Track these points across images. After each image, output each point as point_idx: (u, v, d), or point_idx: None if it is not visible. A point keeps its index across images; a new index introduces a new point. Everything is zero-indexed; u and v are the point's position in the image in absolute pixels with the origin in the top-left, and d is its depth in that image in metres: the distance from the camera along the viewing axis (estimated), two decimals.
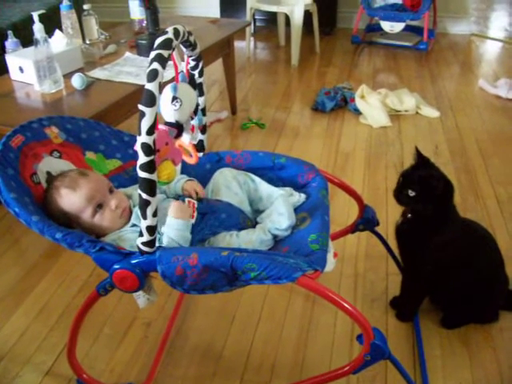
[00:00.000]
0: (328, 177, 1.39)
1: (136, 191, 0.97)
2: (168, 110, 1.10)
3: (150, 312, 1.63)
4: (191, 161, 1.19)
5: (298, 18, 3.67)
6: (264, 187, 1.34)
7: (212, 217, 1.23)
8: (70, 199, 1.18)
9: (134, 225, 1.22)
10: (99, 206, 1.20)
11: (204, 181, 1.39)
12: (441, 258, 1.43)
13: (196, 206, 1.24)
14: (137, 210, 1.20)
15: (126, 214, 1.24)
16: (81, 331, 1.24)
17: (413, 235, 1.43)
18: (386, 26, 3.97)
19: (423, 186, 1.33)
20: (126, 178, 1.40)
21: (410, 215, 1.43)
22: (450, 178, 1.37)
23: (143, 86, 0.89)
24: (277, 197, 1.29)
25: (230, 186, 1.33)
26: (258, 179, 1.35)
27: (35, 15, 1.88)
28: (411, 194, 1.34)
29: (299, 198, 1.31)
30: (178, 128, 1.12)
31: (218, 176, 1.37)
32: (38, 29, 1.84)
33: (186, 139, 1.17)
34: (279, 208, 1.23)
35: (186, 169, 1.40)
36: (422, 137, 2.76)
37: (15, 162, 1.17)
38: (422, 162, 1.38)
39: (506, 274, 1.52)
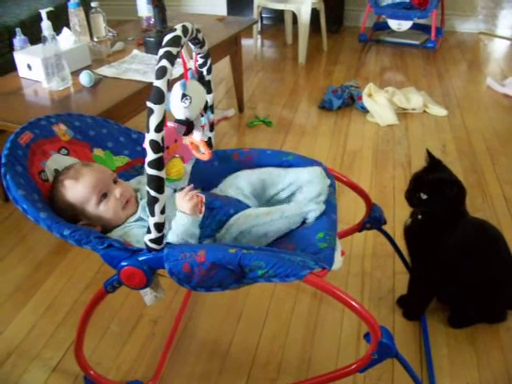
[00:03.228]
0: (335, 175, 1.39)
1: (143, 183, 0.96)
2: (178, 108, 1.10)
3: (157, 309, 1.63)
4: (204, 157, 1.18)
5: (305, 16, 3.66)
6: (291, 172, 1.33)
7: (220, 211, 1.22)
8: (74, 189, 1.18)
9: (140, 219, 1.21)
10: (104, 196, 1.20)
11: (212, 178, 1.38)
12: (450, 259, 1.42)
13: (204, 200, 1.23)
14: (143, 203, 1.20)
15: (130, 205, 1.23)
16: (88, 328, 1.25)
17: (423, 236, 1.43)
18: (394, 24, 3.94)
19: (435, 189, 1.32)
20: (134, 175, 1.39)
21: (420, 216, 1.42)
22: (461, 181, 1.36)
23: (151, 83, 0.90)
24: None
25: (240, 187, 1.33)
26: (282, 172, 1.34)
27: (43, 13, 1.88)
28: (423, 196, 1.33)
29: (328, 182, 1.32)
30: (188, 125, 1.12)
31: (230, 179, 1.36)
32: (46, 26, 1.85)
33: (197, 136, 1.17)
34: (306, 177, 1.27)
35: (195, 167, 1.39)
36: (429, 135, 2.75)
37: (23, 159, 1.17)
38: (433, 164, 1.37)
39: None
